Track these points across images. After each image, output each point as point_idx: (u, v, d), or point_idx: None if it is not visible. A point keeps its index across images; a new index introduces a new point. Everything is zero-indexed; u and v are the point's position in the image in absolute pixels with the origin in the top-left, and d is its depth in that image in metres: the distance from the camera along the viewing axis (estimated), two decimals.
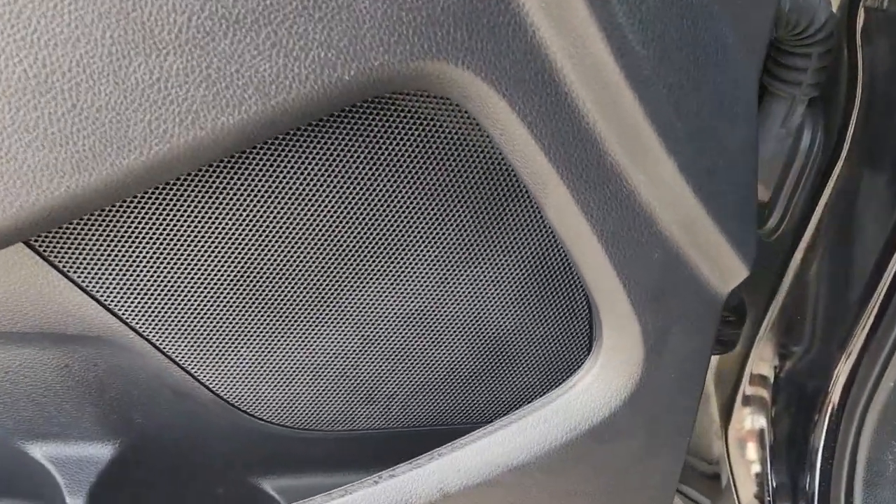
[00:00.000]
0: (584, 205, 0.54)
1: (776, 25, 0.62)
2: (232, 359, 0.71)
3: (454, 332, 0.73)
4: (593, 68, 0.49)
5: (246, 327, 0.69)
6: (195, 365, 0.71)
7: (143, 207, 0.59)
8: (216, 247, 0.62)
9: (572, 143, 0.52)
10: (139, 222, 0.60)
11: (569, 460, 0.68)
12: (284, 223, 0.62)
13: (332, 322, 0.70)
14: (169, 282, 0.64)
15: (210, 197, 0.59)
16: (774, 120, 0.71)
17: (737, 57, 0.55)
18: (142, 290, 0.64)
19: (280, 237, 0.63)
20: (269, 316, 0.69)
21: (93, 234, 0.60)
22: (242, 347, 0.70)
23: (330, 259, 0.65)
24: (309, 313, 0.69)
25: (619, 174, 0.54)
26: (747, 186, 0.59)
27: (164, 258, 0.62)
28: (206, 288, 0.65)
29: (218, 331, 0.69)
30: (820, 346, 0.82)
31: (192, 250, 0.62)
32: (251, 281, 0.65)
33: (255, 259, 0.64)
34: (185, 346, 0.69)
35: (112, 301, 0.64)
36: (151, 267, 0.63)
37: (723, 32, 0.53)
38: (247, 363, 0.72)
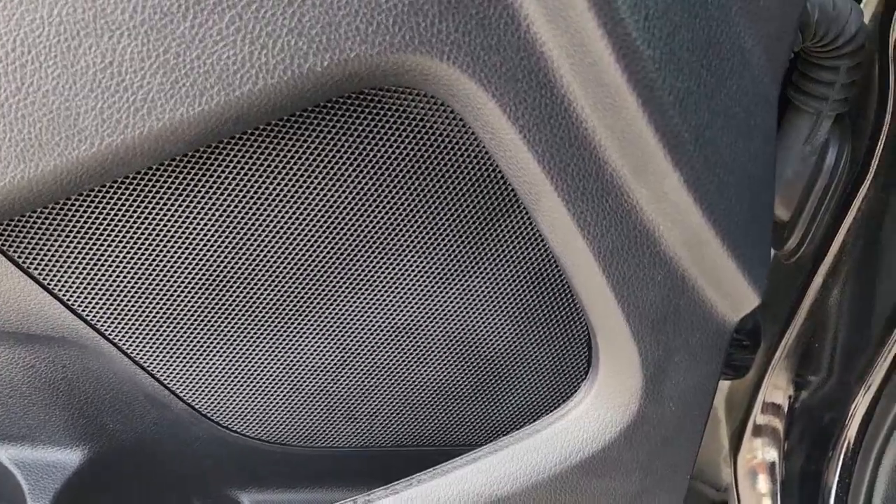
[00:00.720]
0: (580, 219, 0.50)
1: (802, 35, 0.59)
2: (203, 367, 0.67)
3: (441, 348, 0.69)
4: (593, 68, 0.44)
5: (217, 335, 0.65)
6: (164, 372, 0.67)
7: (104, 202, 0.55)
8: (183, 248, 0.59)
9: (568, 150, 0.47)
10: (101, 218, 0.56)
11: (556, 495, 0.64)
12: (258, 226, 0.58)
13: (309, 333, 0.66)
14: (134, 282, 0.60)
15: (176, 195, 0.55)
16: (797, 136, 0.68)
17: (756, 63, 0.50)
18: (106, 290, 0.60)
19: (253, 241, 0.59)
20: (241, 324, 0.65)
21: (53, 230, 0.56)
22: (214, 356, 0.67)
23: (307, 266, 0.62)
24: (284, 323, 0.65)
25: (620, 187, 0.49)
26: (762, 207, 0.54)
27: (129, 257, 0.59)
28: (173, 291, 0.61)
29: (187, 337, 0.65)
30: (838, 376, 0.80)
31: (158, 250, 0.59)
32: (222, 286, 0.62)
33: (226, 263, 0.60)
34: (153, 351, 0.65)
35: (74, 300, 0.61)
36: (116, 266, 0.59)
37: (741, 35, 0.49)
38: (219, 373, 0.68)
